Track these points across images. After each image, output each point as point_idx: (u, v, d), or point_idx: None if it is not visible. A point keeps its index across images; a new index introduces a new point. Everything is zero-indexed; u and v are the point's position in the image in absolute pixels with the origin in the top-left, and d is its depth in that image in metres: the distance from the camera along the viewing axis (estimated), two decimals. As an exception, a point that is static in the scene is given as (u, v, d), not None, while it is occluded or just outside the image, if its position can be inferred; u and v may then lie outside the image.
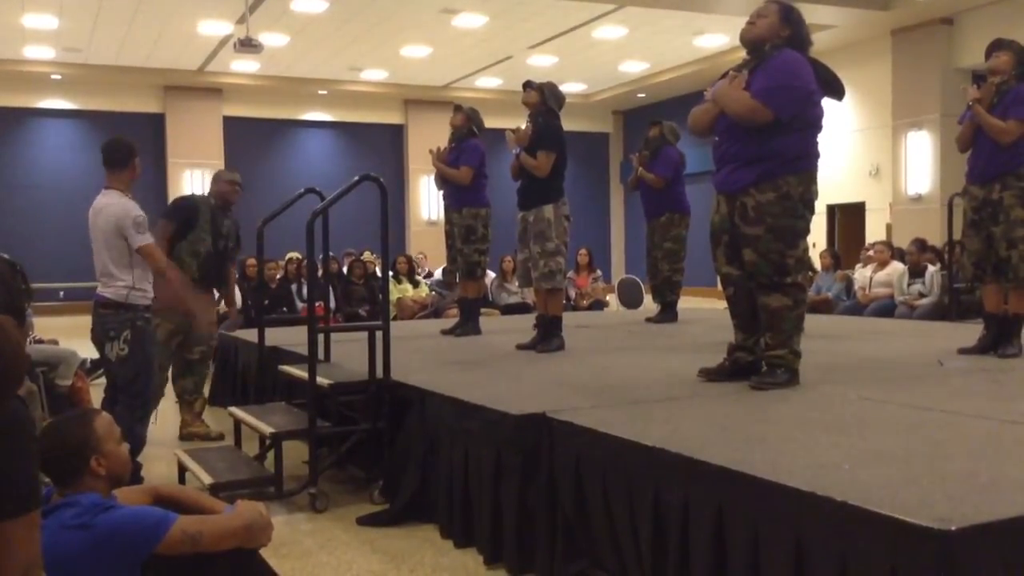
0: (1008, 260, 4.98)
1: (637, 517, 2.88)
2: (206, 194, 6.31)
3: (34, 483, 1.74)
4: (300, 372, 4.70)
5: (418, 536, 3.84)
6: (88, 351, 6.95)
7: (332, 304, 9.11)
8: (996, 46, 5.13)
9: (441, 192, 7.15)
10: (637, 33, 15.46)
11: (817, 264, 10.66)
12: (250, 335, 6.42)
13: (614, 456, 3.02)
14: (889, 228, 14.77)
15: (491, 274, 10.56)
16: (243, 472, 4.40)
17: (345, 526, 3.99)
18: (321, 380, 4.44)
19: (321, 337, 5.01)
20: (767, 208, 3.91)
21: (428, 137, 14.79)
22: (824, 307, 9.82)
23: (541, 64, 17.22)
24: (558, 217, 5.72)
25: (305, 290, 8.87)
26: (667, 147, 7.71)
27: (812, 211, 4.05)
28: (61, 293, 17.10)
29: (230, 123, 18.81)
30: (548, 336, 5.75)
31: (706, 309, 9.65)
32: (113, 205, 4.51)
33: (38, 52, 16.27)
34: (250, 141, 19.07)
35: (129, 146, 4.68)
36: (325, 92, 19.24)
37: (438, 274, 11.75)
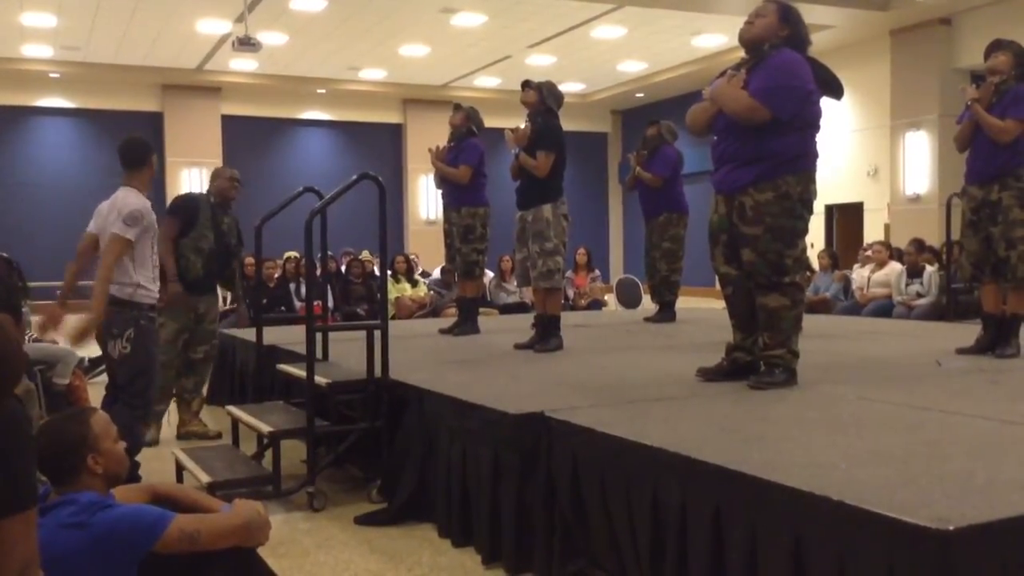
0: (1007, 260, 4.99)
1: (635, 516, 2.88)
2: (205, 191, 6.31)
3: (31, 481, 1.74)
4: (298, 371, 4.70)
5: (416, 535, 3.84)
6: (86, 350, 6.95)
7: (330, 303, 9.11)
8: (995, 46, 5.13)
9: (440, 191, 7.15)
10: (636, 33, 15.47)
11: (815, 264, 10.67)
12: (248, 334, 6.42)
13: (612, 455, 3.02)
14: (887, 228, 14.78)
15: (489, 273, 10.57)
16: (241, 471, 4.39)
17: (343, 525, 3.98)
18: (319, 379, 4.44)
19: (319, 336, 5.01)
20: (766, 208, 3.91)
21: (427, 136, 14.79)
22: (822, 307, 9.82)
23: (540, 64, 17.22)
24: (557, 217, 5.72)
25: (303, 289, 8.88)
26: (665, 146, 7.71)
27: (811, 211, 4.05)
28: (59, 291, 17.08)
29: (228, 122, 18.80)
30: (546, 335, 5.74)
31: (704, 309, 9.65)
32: (127, 199, 4.50)
33: (36, 50, 16.25)
34: (249, 140, 19.05)
35: (145, 145, 4.68)
36: (324, 91, 19.24)
37: (436, 273, 11.75)
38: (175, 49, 16.21)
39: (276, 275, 9.96)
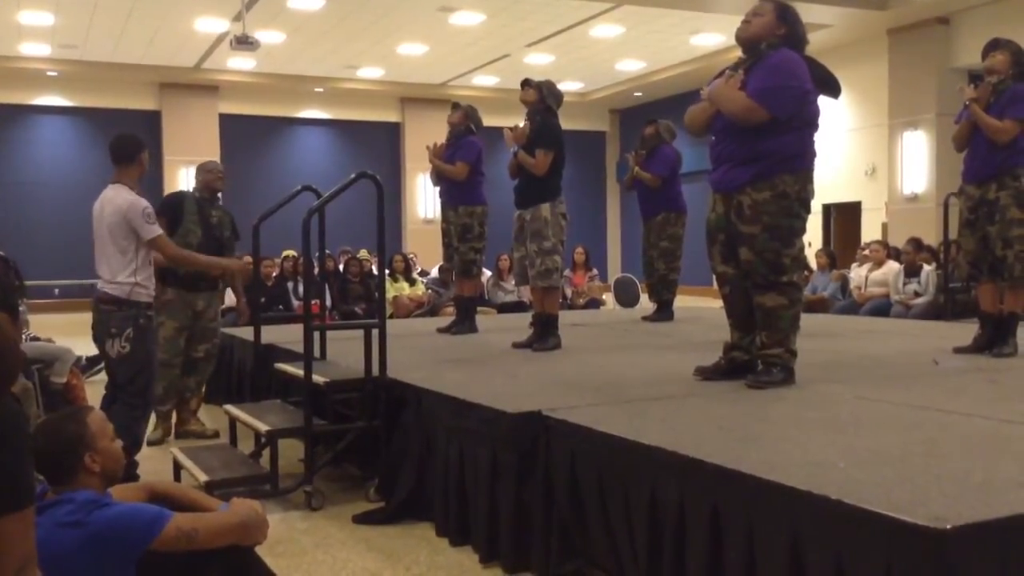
0: (1004, 260, 4.99)
1: (633, 515, 2.88)
2: (192, 187, 6.28)
3: (28, 479, 1.73)
4: (296, 370, 4.70)
5: (414, 534, 3.84)
6: (84, 348, 6.95)
7: (328, 302, 9.11)
8: (993, 46, 5.13)
9: (437, 190, 7.15)
10: (634, 32, 15.47)
11: (813, 263, 10.67)
12: (246, 333, 6.41)
13: (610, 454, 3.02)
14: (885, 227, 14.79)
15: (487, 272, 10.57)
16: (238, 470, 4.39)
17: (341, 524, 3.98)
18: (317, 378, 4.44)
19: (317, 335, 5.01)
20: (763, 207, 3.91)
21: (425, 135, 14.74)
22: (820, 306, 9.83)
23: (538, 62, 17.21)
24: (555, 216, 5.72)
25: (301, 288, 8.87)
26: (663, 146, 7.71)
27: (808, 210, 4.05)
28: (56, 290, 17.08)
29: (226, 120, 18.79)
30: (544, 334, 5.74)
31: (702, 308, 9.66)
32: (121, 199, 4.49)
33: (34, 49, 16.24)
34: (246, 138, 19.05)
35: (135, 141, 4.66)
36: (321, 90, 19.23)
37: (434, 272, 11.75)
38: (173, 48, 16.20)
39: (274, 274, 9.95)
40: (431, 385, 4.17)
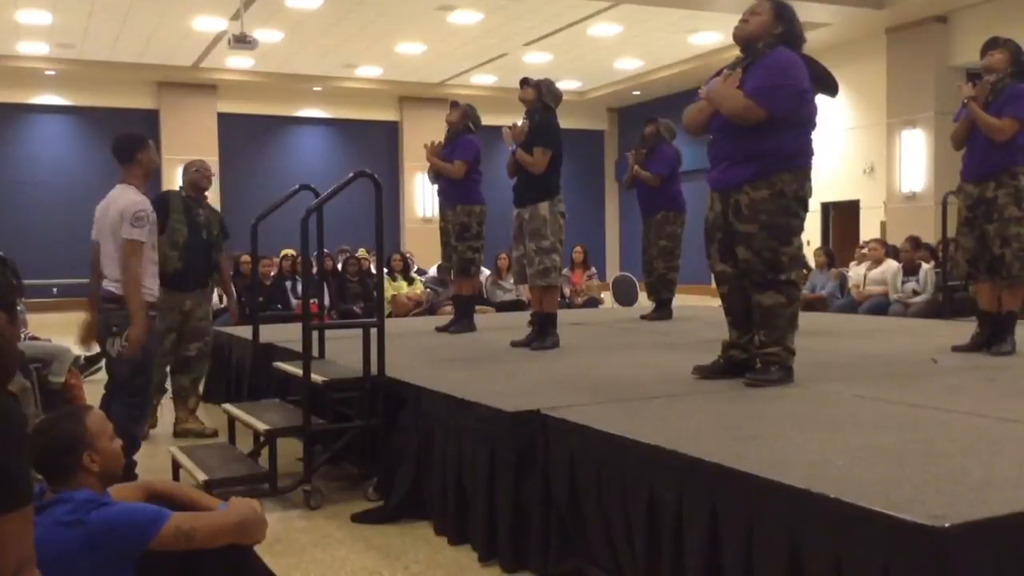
0: (1002, 258, 5.00)
1: (632, 514, 2.88)
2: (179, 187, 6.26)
3: (26, 478, 1.73)
4: (295, 369, 4.70)
5: (412, 533, 3.84)
6: (81, 348, 6.94)
7: (327, 301, 9.10)
8: (991, 44, 5.14)
9: (435, 188, 7.14)
10: (632, 31, 15.46)
11: (811, 262, 10.68)
12: (244, 332, 6.41)
13: (609, 453, 3.02)
14: (883, 226, 14.80)
15: (486, 271, 10.57)
16: (237, 469, 4.39)
17: (339, 523, 3.98)
18: (316, 377, 4.44)
19: (316, 334, 5.01)
20: (761, 205, 3.91)
21: (423, 134, 14.72)
22: (818, 305, 9.84)
23: (536, 61, 17.21)
24: (553, 214, 5.72)
25: (300, 287, 8.87)
26: (663, 145, 7.71)
27: (806, 209, 4.06)
28: (55, 289, 17.07)
29: (224, 119, 18.78)
30: (543, 333, 5.75)
31: (701, 306, 9.66)
32: (121, 198, 4.49)
33: (32, 48, 16.22)
34: (244, 138, 19.04)
35: (132, 141, 4.62)
36: (320, 89, 19.22)
37: (433, 271, 11.75)
38: (171, 46, 16.18)
39: (272, 273, 9.95)
40: (430, 384, 4.17)
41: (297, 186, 5.90)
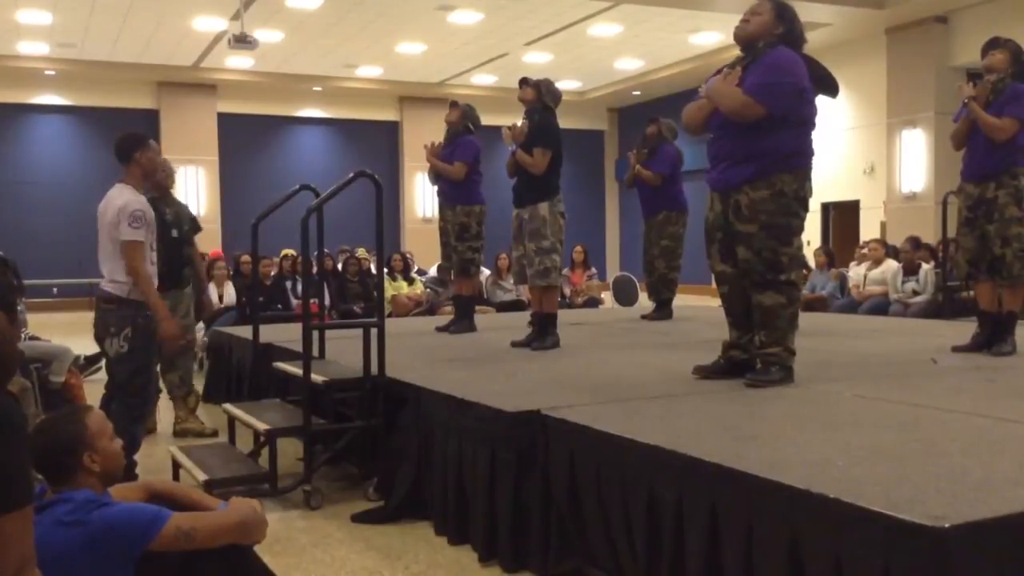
0: (1002, 258, 5.00)
1: (632, 514, 2.88)
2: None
3: (26, 478, 1.73)
4: (295, 369, 4.70)
5: (413, 533, 3.84)
6: (82, 348, 6.95)
7: (327, 301, 9.10)
8: (992, 44, 5.14)
9: (435, 189, 7.14)
10: (632, 31, 15.46)
11: (812, 262, 10.68)
12: (245, 332, 6.41)
13: (609, 453, 3.02)
14: (883, 226, 14.80)
15: (486, 271, 10.56)
16: (237, 469, 4.39)
17: (339, 523, 3.98)
18: (316, 377, 4.44)
19: (316, 334, 5.01)
20: (761, 205, 3.91)
21: (423, 134, 14.74)
22: (818, 305, 9.83)
23: (536, 61, 17.21)
24: (553, 214, 5.72)
25: (300, 287, 8.87)
26: (665, 144, 7.70)
27: (806, 209, 4.06)
28: (55, 289, 17.08)
29: (224, 119, 18.78)
30: (543, 333, 5.75)
31: (701, 306, 9.66)
32: (118, 198, 4.48)
33: (32, 48, 16.22)
34: (244, 137, 19.04)
35: (130, 140, 4.61)
36: (320, 89, 19.22)
37: (433, 271, 11.75)
38: (171, 46, 16.19)
39: (272, 273, 9.94)
40: (430, 384, 4.17)
41: (297, 186, 5.89)
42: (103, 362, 6.14)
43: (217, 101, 18.69)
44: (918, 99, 14.08)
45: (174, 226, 5.94)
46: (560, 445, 3.27)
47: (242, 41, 12.47)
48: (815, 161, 4.10)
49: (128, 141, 4.62)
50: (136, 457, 4.55)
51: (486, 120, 7.44)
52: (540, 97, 5.86)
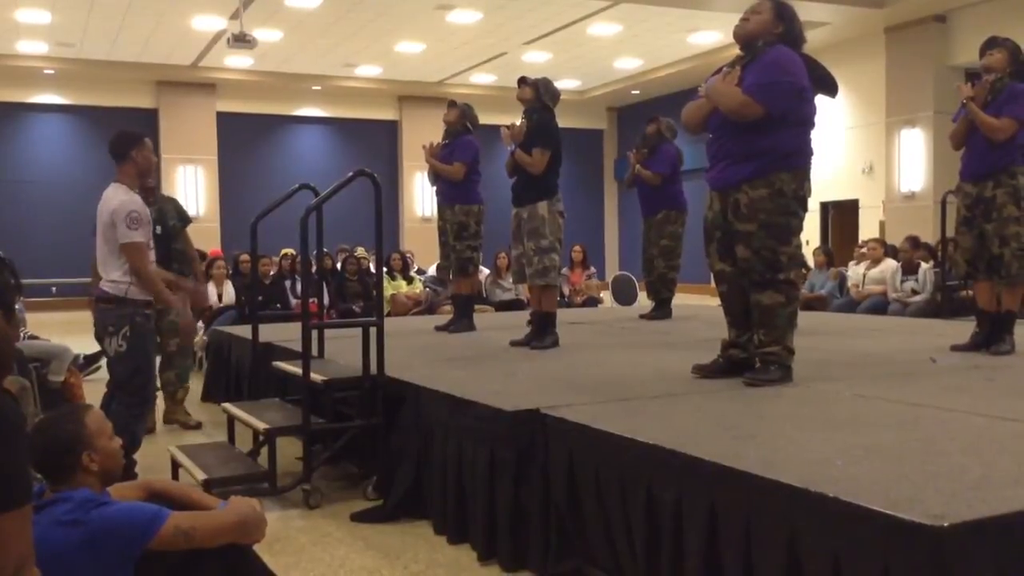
0: (1000, 257, 5.00)
1: (631, 514, 2.88)
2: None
3: (25, 477, 1.73)
4: (294, 368, 4.70)
5: (412, 532, 3.84)
6: (81, 347, 6.95)
7: (326, 300, 9.10)
8: (990, 44, 5.14)
9: (434, 188, 7.14)
10: (632, 30, 15.46)
11: (811, 261, 10.68)
12: (244, 331, 6.41)
13: (608, 452, 3.02)
14: (882, 225, 14.80)
15: (485, 270, 10.56)
16: (237, 468, 4.39)
17: (339, 522, 3.98)
18: (315, 376, 4.44)
19: (315, 333, 5.00)
20: (760, 204, 3.92)
21: (422, 133, 14.77)
22: (817, 304, 9.84)
23: (535, 61, 17.21)
24: (552, 214, 5.72)
25: (299, 286, 8.87)
26: (665, 144, 7.70)
27: (805, 208, 4.06)
28: (54, 289, 17.07)
29: (223, 118, 18.77)
30: (542, 333, 5.75)
31: (700, 306, 9.66)
32: (113, 199, 4.48)
33: (31, 47, 16.21)
34: (243, 137, 19.04)
35: (126, 139, 4.60)
36: (319, 88, 19.21)
37: (432, 270, 11.75)
38: (170, 46, 16.18)
39: (272, 272, 9.94)
40: (429, 383, 4.17)
41: (296, 185, 5.89)
42: (103, 361, 6.15)
43: (216, 100, 18.69)
44: (917, 98, 14.09)
45: (157, 223, 5.93)
46: (559, 444, 3.27)
47: (241, 40, 12.46)
48: (814, 160, 4.10)
49: (124, 139, 4.61)
50: (135, 456, 4.55)
51: (485, 119, 7.44)
52: (539, 96, 5.86)
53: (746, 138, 3.94)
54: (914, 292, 9.37)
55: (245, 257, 9.49)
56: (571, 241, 10.09)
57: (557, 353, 5.49)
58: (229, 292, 9.35)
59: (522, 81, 5.96)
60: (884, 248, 10.25)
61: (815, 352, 5.01)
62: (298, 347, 4.55)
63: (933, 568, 1.98)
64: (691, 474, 2.66)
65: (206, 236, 15.47)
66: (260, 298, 8.77)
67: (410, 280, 11.10)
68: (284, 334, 6.05)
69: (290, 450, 4.70)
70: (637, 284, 11.68)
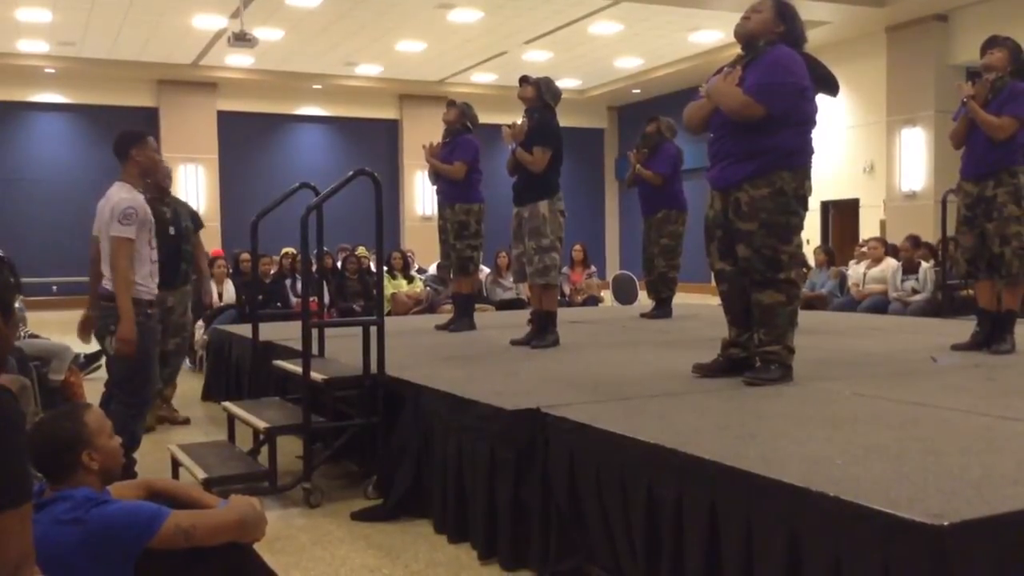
0: (1001, 256, 5.00)
1: (631, 512, 2.88)
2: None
3: (25, 476, 1.73)
4: (294, 367, 4.70)
5: (412, 531, 3.84)
6: (81, 346, 6.94)
7: (326, 299, 9.10)
8: (991, 43, 5.14)
9: (435, 187, 7.14)
10: (632, 29, 15.45)
11: (811, 260, 10.68)
12: (244, 330, 6.41)
13: (608, 451, 3.02)
14: (883, 224, 14.80)
15: (485, 269, 10.56)
16: (237, 467, 4.39)
17: (339, 521, 3.99)
18: (316, 375, 4.44)
19: (315, 332, 5.00)
20: (761, 204, 3.91)
21: (423, 132, 14.78)
22: (818, 303, 9.83)
23: (536, 60, 17.20)
24: (553, 213, 5.72)
25: (299, 285, 8.86)
26: (665, 143, 7.70)
27: (806, 207, 4.06)
28: (54, 287, 17.06)
29: (224, 117, 18.77)
30: (542, 332, 5.75)
31: (701, 305, 9.66)
32: (114, 196, 4.49)
33: (32, 46, 16.21)
34: (244, 136, 19.03)
35: (130, 138, 4.60)
36: (319, 87, 19.21)
37: (432, 269, 11.75)
38: (170, 44, 16.17)
39: (272, 271, 9.94)
40: (429, 382, 4.17)
41: (297, 184, 5.89)
42: (103, 360, 6.14)
43: (217, 99, 18.68)
44: (918, 97, 14.08)
45: (171, 223, 5.95)
46: (560, 443, 3.27)
47: (242, 39, 12.46)
48: (815, 159, 4.10)
49: (125, 138, 4.62)
50: (135, 455, 4.55)
51: (486, 119, 7.45)
52: (540, 95, 5.85)
53: (747, 137, 3.94)
54: (915, 291, 9.36)
55: (246, 256, 9.49)
56: (572, 240, 10.08)
57: (557, 352, 5.49)
58: (229, 291, 9.35)
59: (523, 80, 5.96)
60: (885, 247, 10.24)
61: (815, 351, 5.01)
62: (298, 346, 4.55)
63: (933, 567, 1.98)
64: (691, 473, 2.66)
65: (207, 235, 15.37)
66: (260, 297, 8.77)
67: (410, 279, 11.10)
68: (284, 333, 6.05)
69: (290, 449, 4.70)
70: (637, 283, 11.68)
